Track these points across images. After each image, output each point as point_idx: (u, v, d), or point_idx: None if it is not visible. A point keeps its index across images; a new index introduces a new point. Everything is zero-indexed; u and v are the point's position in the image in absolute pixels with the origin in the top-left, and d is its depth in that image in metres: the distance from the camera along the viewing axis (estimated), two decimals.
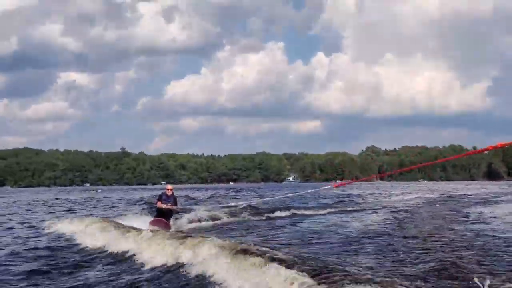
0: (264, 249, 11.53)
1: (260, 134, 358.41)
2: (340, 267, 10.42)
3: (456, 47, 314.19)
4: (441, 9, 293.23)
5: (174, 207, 22.25)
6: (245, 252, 10.96)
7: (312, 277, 8.81)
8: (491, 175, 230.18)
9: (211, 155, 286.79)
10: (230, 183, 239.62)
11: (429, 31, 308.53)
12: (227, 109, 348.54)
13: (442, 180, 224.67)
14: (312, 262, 10.64)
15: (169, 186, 23.03)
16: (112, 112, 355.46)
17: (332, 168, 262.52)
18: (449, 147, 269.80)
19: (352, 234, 18.40)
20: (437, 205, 37.23)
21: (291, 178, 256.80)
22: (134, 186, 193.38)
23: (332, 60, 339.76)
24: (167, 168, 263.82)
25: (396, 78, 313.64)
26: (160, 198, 22.09)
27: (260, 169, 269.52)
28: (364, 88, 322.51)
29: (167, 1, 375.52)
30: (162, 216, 21.59)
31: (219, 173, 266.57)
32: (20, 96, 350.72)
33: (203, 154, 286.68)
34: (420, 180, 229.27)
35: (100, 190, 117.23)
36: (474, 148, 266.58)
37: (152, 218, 22.05)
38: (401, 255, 12.92)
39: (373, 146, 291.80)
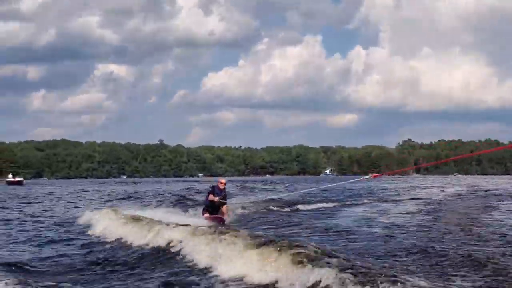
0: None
1: (297, 127, 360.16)
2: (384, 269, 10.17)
3: (494, 42, 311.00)
4: (478, 4, 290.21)
5: (225, 202, 21.93)
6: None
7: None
8: None
9: (248, 147, 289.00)
10: (267, 175, 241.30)
11: (466, 26, 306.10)
12: (264, 101, 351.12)
13: (478, 174, 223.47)
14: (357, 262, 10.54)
15: (222, 180, 22.59)
16: (149, 104, 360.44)
17: (369, 162, 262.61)
18: (485, 141, 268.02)
19: (392, 227, 19.43)
20: (468, 199, 38.44)
21: (328, 171, 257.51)
22: (173, 178, 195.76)
23: (369, 54, 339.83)
24: (204, 161, 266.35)
25: (433, 73, 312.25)
26: (212, 191, 21.61)
27: (297, 162, 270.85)
28: (401, 82, 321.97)
29: None
30: (213, 209, 21.57)
31: (256, 165, 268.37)
32: (57, 88, 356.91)
33: (240, 146, 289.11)
34: (455, 174, 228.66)
35: (140, 182, 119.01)
36: (510, 142, 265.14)
37: (204, 212, 21.90)
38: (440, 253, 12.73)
39: (410, 140, 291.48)
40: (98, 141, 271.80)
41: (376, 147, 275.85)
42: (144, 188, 76.96)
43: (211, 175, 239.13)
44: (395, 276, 8.85)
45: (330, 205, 32.67)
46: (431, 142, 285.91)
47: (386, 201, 36.17)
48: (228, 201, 23.05)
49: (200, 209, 23.13)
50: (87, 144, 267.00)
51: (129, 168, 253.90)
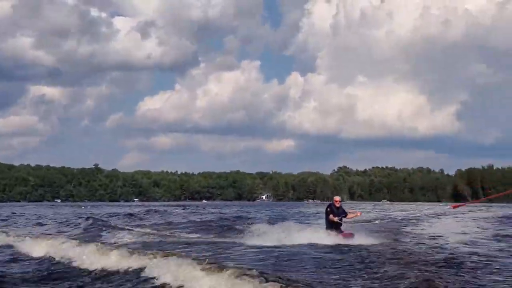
0: None
1: (234, 153, 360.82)
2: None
3: (427, 71, 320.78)
4: (413, 34, 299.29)
5: (346, 217, 22.62)
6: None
7: None
8: (457, 197, 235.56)
9: (185, 172, 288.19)
10: (204, 200, 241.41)
11: (401, 55, 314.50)
12: (201, 126, 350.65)
13: (410, 201, 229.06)
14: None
15: (337, 198, 22.98)
16: (83, 127, 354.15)
17: (305, 188, 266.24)
18: (417, 169, 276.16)
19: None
20: (376, 222, 39.92)
21: (264, 197, 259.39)
22: (108, 203, 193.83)
23: (306, 80, 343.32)
24: (140, 185, 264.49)
25: (369, 100, 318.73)
26: (332, 212, 22.25)
27: (233, 187, 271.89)
28: (337, 109, 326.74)
29: (143, 17, 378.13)
30: (336, 228, 22.12)
31: (192, 190, 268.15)
32: None
33: (176, 171, 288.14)
34: (382, 201, 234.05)
35: (88, 206, 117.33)
36: (442, 170, 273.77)
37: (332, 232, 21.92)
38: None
39: (345, 166, 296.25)
40: (32, 164, 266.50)
41: (312, 173, 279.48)
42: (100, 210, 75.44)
43: (147, 200, 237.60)
44: None
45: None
46: (365, 169, 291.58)
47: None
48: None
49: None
50: (21, 167, 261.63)
51: (64, 192, 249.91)
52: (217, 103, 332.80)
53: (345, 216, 22.53)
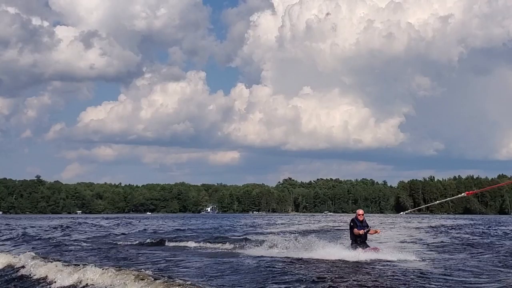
0: None
1: (179, 164, 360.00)
2: None
3: (371, 84, 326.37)
4: (357, 47, 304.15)
5: (368, 231, 22.30)
6: None
7: None
8: (399, 208, 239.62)
9: (129, 184, 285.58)
10: (148, 213, 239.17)
11: (345, 68, 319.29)
12: (145, 137, 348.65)
13: (353, 213, 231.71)
14: None
15: (360, 211, 22.75)
16: (24, 138, 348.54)
17: (250, 200, 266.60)
18: (361, 180, 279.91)
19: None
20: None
21: (209, 209, 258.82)
22: (50, 215, 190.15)
23: (252, 92, 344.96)
24: (83, 197, 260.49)
25: (314, 112, 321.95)
26: (355, 225, 22.07)
27: (178, 199, 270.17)
28: (282, 120, 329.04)
29: (86, 27, 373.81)
30: (361, 241, 22.00)
31: (136, 202, 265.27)
32: None
33: (120, 183, 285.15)
34: (325, 212, 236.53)
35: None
36: (385, 182, 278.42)
37: (354, 247, 21.75)
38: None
39: (290, 178, 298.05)
40: None
41: (257, 185, 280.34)
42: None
43: (90, 212, 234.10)
44: None
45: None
46: (310, 181, 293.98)
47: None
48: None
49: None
50: None
51: (5, 204, 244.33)
52: (162, 114, 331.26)
53: (368, 231, 22.33)
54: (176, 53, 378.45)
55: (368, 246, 21.87)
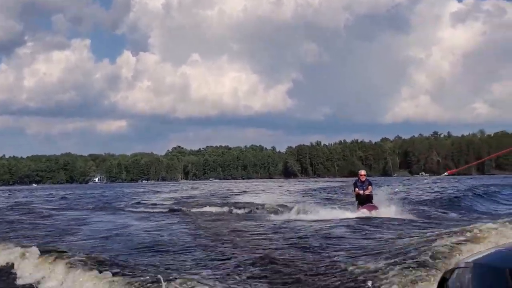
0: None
1: (64, 135, 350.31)
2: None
3: (260, 51, 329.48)
4: (245, 13, 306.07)
5: (370, 190, 22.87)
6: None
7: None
8: (287, 173, 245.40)
9: (13, 156, 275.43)
10: (34, 184, 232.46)
11: (234, 35, 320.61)
12: (29, 108, 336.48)
13: (243, 178, 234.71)
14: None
15: (362, 172, 23.48)
16: None
17: (138, 169, 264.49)
18: (250, 147, 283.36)
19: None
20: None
21: (96, 179, 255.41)
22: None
23: (139, 59, 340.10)
24: None
25: (203, 79, 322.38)
26: (355, 186, 22.83)
27: (65, 170, 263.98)
28: (171, 88, 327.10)
29: None
30: (363, 201, 22.39)
31: (22, 174, 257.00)
32: None
33: (4, 155, 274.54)
34: (210, 179, 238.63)
35: None
36: (273, 147, 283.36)
37: (358, 206, 22.46)
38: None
39: (179, 146, 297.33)
40: None
41: (146, 154, 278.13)
42: None
43: None
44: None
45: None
46: (199, 148, 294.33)
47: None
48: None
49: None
50: None
51: None
52: (45, 84, 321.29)
53: (366, 189, 22.78)
54: (60, 21, 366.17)
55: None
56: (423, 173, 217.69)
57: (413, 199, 33.50)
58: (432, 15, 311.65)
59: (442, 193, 40.08)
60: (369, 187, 22.84)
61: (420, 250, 10.42)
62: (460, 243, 10.47)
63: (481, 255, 3.43)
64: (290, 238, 15.20)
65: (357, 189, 22.80)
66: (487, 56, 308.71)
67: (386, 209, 21.83)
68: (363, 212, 21.47)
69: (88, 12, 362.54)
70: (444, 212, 25.44)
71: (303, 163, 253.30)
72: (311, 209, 24.29)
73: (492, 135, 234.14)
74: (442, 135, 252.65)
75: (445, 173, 21.97)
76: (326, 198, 39.93)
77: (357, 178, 23.46)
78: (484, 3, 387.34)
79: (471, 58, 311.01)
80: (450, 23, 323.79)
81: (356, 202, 23.04)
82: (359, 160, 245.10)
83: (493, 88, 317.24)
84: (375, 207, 21.93)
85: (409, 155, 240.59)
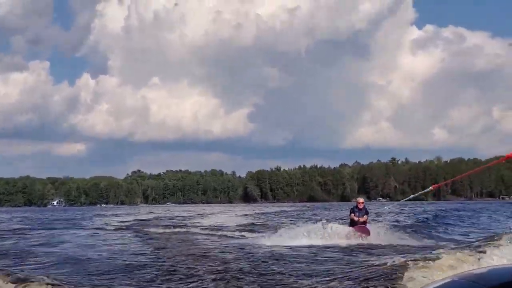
0: None
1: (22, 157, 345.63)
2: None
3: (221, 75, 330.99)
4: (206, 37, 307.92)
5: (366, 219, 23.26)
6: None
7: None
8: (247, 198, 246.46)
9: None
10: None
11: (195, 58, 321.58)
12: None
13: (203, 203, 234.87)
14: None
15: (361, 200, 24.23)
16: None
17: (98, 192, 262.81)
18: (210, 171, 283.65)
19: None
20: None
21: (55, 203, 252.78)
22: None
23: (98, 82, 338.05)
24: None
25: (163, 103, 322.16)
26: (352, 211, 23.43)
27: (23, 193, 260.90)
28: (130, 111, 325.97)
29: None
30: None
31: None
32: None
33: None
34: (167, 203, 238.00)
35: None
36: (233, 172, 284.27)
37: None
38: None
39: (139, 170, 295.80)
40: None
41: (105, 177, 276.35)
42: None
43: None
44: None
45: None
46: (159, 172, 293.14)
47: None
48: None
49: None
50: None
51: None
52: (3, 105, 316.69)
53: (362, 217, 23.24)
54: (19, 42, 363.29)
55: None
56: (381, 198, 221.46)
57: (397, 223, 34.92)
58: (393, 42, 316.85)
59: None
60: (365, 216, 23.44)
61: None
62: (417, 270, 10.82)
63: (436, 285, 3.50)
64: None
65: (353, 214, 23.48)
66: (445, 82, 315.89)
67: (376, 237, 22.49)
68: (353, 231, 22.45)
69: (48, 34, 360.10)
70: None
71: (263, 188, 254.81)
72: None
73: (448, 161, 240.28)
74: (399, 161, 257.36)
75: (430, 187, 22.16)
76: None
77: (355, 205, 24.09)
78: (444, 30, 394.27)
79: (430, 84, 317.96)
80: (410, 50, 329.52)
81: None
82: (318, 186, 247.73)
83: (451, 114, 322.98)
84: (367, 232, 22.59)
85: (367, 181, 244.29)
